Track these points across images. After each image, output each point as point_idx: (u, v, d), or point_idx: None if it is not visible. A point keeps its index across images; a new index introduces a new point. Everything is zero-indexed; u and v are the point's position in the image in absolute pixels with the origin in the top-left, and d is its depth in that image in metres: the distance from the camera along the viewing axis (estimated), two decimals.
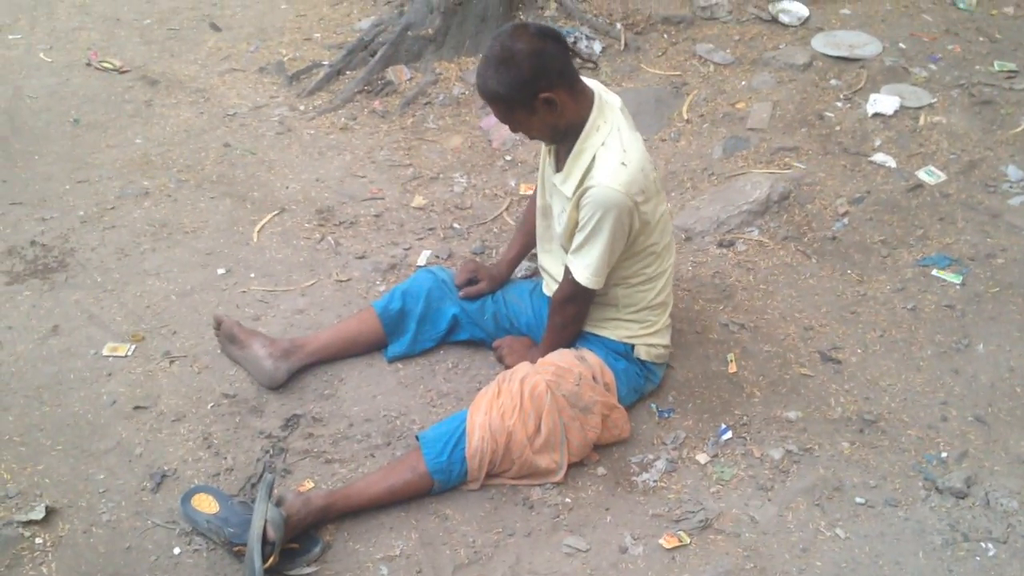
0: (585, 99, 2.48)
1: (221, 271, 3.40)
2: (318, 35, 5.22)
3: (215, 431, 2.73)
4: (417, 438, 2.56)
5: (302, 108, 4.53)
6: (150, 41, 5.16)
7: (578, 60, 2.56)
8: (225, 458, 2.64)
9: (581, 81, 2.49)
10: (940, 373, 2.89)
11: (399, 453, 2.65)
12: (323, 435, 2.73)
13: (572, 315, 2.70)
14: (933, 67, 4.31)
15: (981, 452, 2.61)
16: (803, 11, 4.71)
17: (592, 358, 2.68)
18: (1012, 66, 4.26)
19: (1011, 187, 3.58)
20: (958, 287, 3.18)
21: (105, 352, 3.01)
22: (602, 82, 4.41)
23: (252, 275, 3.39)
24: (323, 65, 4.82)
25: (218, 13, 5.48)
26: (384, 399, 2.86)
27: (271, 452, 2.65)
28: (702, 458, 2.64)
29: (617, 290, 2.67)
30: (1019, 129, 3.88)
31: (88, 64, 4.88)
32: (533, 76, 2.33)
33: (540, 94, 2.35)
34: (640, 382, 2.78)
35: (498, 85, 2.36)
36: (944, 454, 2.61)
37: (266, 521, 2.26)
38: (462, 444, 2.49)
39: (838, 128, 3.97)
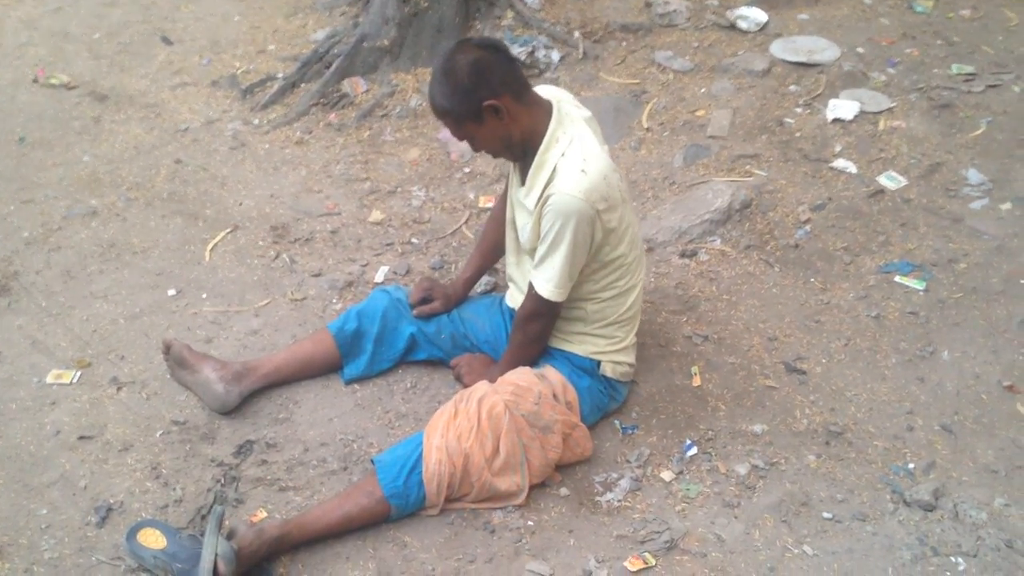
0: (539, 109, 2.44)
1: (172, 292, 3.30)
2: (272, 47, 5.12)
3: (164, 460, 2.63)
4: (373, 462, 2.48)
5: (256, 122, 4.44)
6: (99, 56, 5.04)
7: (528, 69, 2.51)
8: (174, 489, 2.54)
9: (531, 91, 2.46)
10: (905, 382, 2.85)
11: (356, 478, 2.57)
12: (277, 461, 2.64)
13: (536, 333, 2.64)
14: (891, 71, 4.30)
15: (948, 462, 2.58)
16: (761, 17, 4.69)
17: (554, 376, 2.61)
18: (970, 69, 4.26)
19: (972, 191, 3.57)
20: (921, 293, 3.16)
21: (49, 380, 2.90)
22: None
23: (204, 296, 3.29)
24: (277, 78, 4.73)
25: (170, 26, 5.36)
26: (340, 422, 2.77)
27: (222, 481, 2.55)
28: (667, 475, 2.58)
29: (587, 304, 2.62)
30: (978, 132, 3.88)
31: (35, 81, 4.75)
32: (474, 84, 2.32)
33: (484, 102, 2.33)
34: (604, 400, 2.71)
35: (442, 98, 2.37)
36: (911, 465, 2.57)
37: (216, 556, 2.17)
38: (419, 468, 2.41)
39: (798, 134, 3.95)
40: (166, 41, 5.21)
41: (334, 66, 4.60)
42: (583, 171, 2.36)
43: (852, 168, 3.74)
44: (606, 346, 2.67)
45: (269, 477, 2.59)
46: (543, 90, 2.55)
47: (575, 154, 2.39)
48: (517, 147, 2.47)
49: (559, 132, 2.43)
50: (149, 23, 5.40)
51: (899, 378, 2.86)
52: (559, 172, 2.39)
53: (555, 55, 4.56)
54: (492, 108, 2.34)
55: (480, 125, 2.39)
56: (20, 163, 4.09)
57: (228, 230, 3.63)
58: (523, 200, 2.52)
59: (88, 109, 4.52)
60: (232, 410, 2.77)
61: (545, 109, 2.45)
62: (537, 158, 2.44)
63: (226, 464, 2.62)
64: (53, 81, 4.75)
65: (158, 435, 2.71)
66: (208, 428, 2.74)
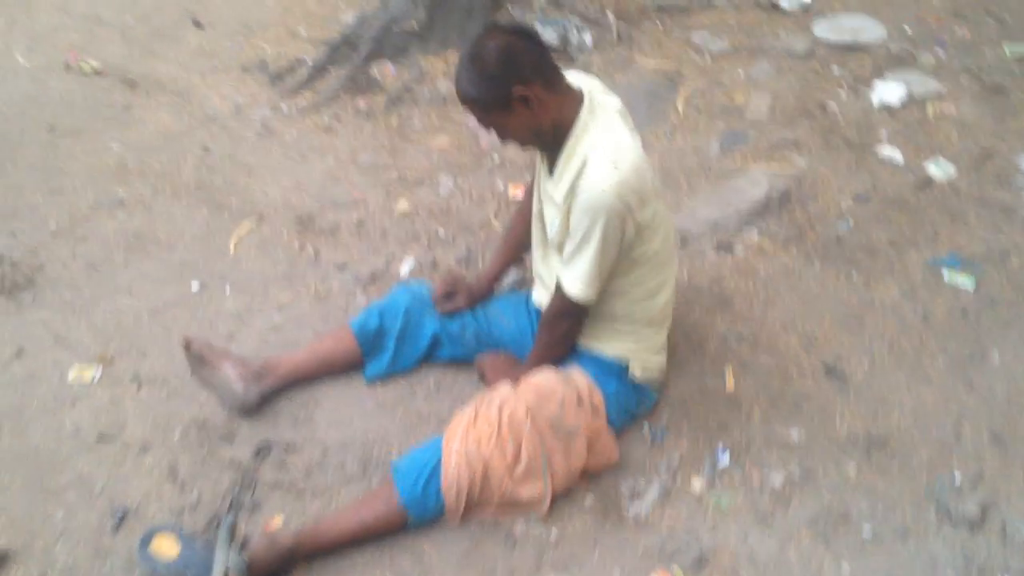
0: (570, 99, 2.33)
1: (195, 285, 3.24)
2: (303, 30, 5.06)
3: (182, 462, 2.58)
4: (391, 467, 2.41)
5: (285, 108, 4.37)
6: (131, 40, 5.00)
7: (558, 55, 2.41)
8: (191, 492, 2.48)
9: (563, 79, 2.34)
10: (953, 386, 2.71)
11: (375, 483, 2.49)
12: (296, 464, 2.57)
13: (563, 333, 2.54)
14: (941, 52, 4.11)
15: (997, 474, 2.44)
16: None
17: (580, 378, 2.51)
18: None
19: None
20: (971, 291, 3.00)
21: (71, 377, 2.86)
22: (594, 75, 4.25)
23: (227, 289, 3.23)
24: (307, 63, 4.65)
25: (202, 9, 5.31)
26: (361, 423, 2.70)
27: (240, 485, 2.49)
28: (698, 485, 2.47)
29: (616, 301, 2.51)
30: None
31: (67, 67, 4.72)
32: (503, 72, 2.20)
33: (512, 90, 2.21)
34: (632, 404, 2.61)
35: (470, 85, 2.25)
36: (957, 477, 2.43)
37: (228, 569, 2.11)
38: (437, 474, 2.33)
39: (841, 120, 3.79)
40: (197, 25, 5.17)
41: (363, 50, 4.52)
42: (615, 164, 2.25)
43: (898, 156, 3.57)
44: (636, 346, 2.57)
45: (287, 481, 2.52)
46: (574, 78, 2.44)
47: (607, 146, 2.28)
48: (547, 137, 2.36)
49: (590, 122, 2.32)
50: (181, 6, 5.35)
51: (946, 382, 2.72)
52: (589, 165, 2.28)
53: (588, 37, 4.43)
54: (521, 97, 2.23)
55: (509, 114, 2.27)
56: (49, 152, 4.05)
57: (253, 221, 3.57)
58: (551, 192, 2.41)
59: (119, 96, 4.48)
60: (252, 410, 2.71)
61: (576, 98, 2.34)
62: (567, 149, 2.33)
63: (244, 467, 2.56)
64: (85, 67, 4.71)
65: (177, 436, 2.66)
66: (227, 428, 2.68)
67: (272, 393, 2.76)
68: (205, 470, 2.56)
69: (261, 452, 2.60)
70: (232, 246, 3.44)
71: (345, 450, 2.62)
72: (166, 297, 3.19)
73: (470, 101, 2.29)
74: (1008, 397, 2.65)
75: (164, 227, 3.55)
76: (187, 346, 2.78)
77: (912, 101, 3.82)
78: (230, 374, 2.71)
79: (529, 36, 2.28)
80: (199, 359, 2.76)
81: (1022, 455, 2.48)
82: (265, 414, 2.73)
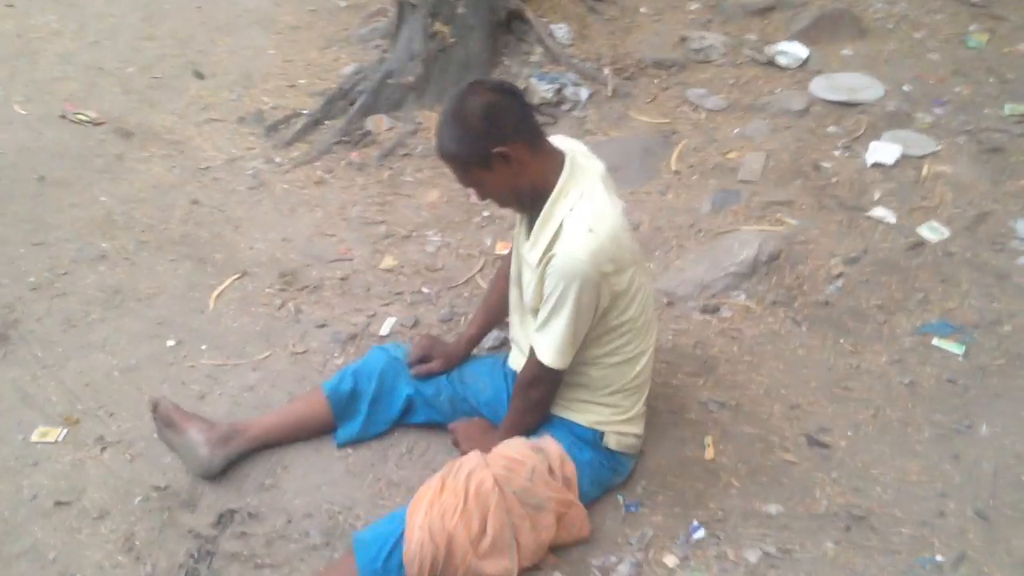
0: (551, 160, 2.29)
1: (171, 343, 3.20)
2: (303, 81, 5.07)
3: (139, 530, 2.50)
4: (353, 540, 2.33)
5: (278, 160, 4.35)
6: (130, 91, 5.02)
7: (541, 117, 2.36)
8: (146, 563, 2.41)
9: (544, 140, 2.30)
10: (938, 459, 2.60)
11: (338, 555, 2.41)
12: (257, 534, 2.49)
13: (536, 399, 2.47)
14: (939, 111, 4.05)
15: (981, 554, 2.32)
16: (802, 52, 4.48)
17: (552, 448, 2.43)
18: None
19: (1020, 244, 3.30)
20: (960, 358, 2.91)
21: (34, 438, 2.80)
22: (587, 131, 4.21)
23: (203, 347, 3.18)
24: (302, 114, 4.65)
25: (204, 60, 5.34)
26: (329, 490, 2.62)
27: (196, 557, 2.41)
28: (670, 561, 2.37)
29: (591, 370, 2.44)
30: None
31: (63, 116, 4.73)
32: (485, 129, 2.16)
33: (493, 149, 2.17)
34: (606, 475, 2.53)
35: (451, 142, 2.22)
36: (940, 557, 2.32)
37: None
38: (400, 548, 2.24)
39: (835, 179, 3.72)
40: (198, 75, 5.19)
41: (358, 103, 4.52)
42: (591, 230, 2.20)
43: (891, 217, 3.50)
44: (611, 415, 2.49)
45: (246, 552, 2.44)
46: (557, 140, 2.39)
47: (584, 211, 2.23)
48: (526, 198, 2.31)
49: (570, 186, 2.27)
50: (183, 57, 5.39)
51: (932, 455, 2.62)
52: (565, 229, 2.23)
53: (584, 92, 4.40)
54: (502, 155, 2.18)
55: (488, 172, 2.23)
56: (37, 204, 4.04)
57: (236, 276, 3.53)
58: (527, 256, 2.36)
59: (112, 146, 4.49)
60: (216, 475, 2.64)
61: (558, 160, 2.29)
62: (544, 211, 2.28)
63: (203, 536, 2.48)
64: (81, 117, 4.72)
65: (137, 502, 2.59)
66: (189, 495, 2.61)
67: (239, 457, 2.69)
68: (162, 539, 2.48)
69: (222, 521, 2.53)
70: (212, 302, 3.40)
71: (310, 519, 2.54)
72: (140, 355, 3.15)
73: (451, 158, 2.25)
74: (995, 471, 2.54)
75: (145, 282, 3.52)
76: (154, 408, 2.73)
77: (907, 161, 3.75)
78: (196, 438, 2.64)
79: (512, 94, 2.25)
80: (166, 421, 2.70)
81: (1006, 534, 2.37)
82: (230, 479, 2.66)
